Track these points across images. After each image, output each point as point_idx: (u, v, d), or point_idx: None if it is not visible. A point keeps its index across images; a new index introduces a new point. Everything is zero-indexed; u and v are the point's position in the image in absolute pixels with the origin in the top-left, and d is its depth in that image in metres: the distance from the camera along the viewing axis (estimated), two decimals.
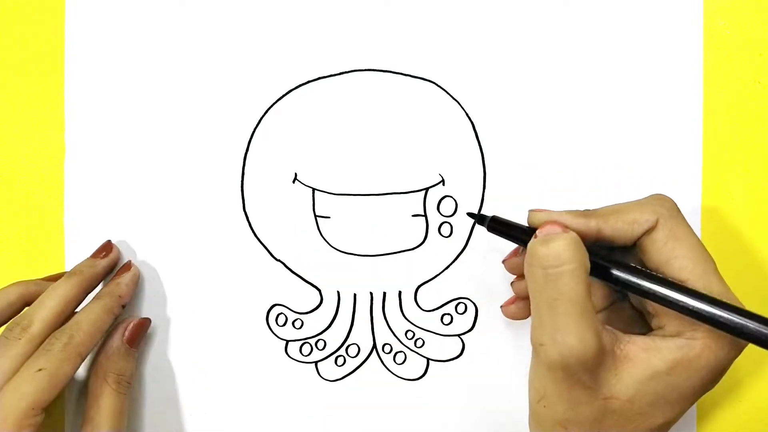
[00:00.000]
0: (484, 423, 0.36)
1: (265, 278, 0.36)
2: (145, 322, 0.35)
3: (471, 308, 0.36)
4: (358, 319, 0.36)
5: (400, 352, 0.36)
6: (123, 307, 0.34)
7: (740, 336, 0.25)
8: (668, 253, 0.27)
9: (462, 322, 0.36)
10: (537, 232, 0.27)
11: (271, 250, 0.36)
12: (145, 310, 0.36)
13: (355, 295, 0.36)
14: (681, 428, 0.35)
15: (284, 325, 0.36)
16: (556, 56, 0.35)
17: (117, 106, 0.36)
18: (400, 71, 0.36)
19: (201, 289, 0.36)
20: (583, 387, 0.25)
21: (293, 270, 0.36)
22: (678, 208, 0.28)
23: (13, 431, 0.28)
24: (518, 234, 0.30)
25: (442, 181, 0.35)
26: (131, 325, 0.34)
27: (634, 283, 0.26)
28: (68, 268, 0.36)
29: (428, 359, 0.36)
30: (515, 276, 0.33)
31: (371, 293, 0.36)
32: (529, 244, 0.26)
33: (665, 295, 0.26)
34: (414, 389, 0.36)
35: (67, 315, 0.33)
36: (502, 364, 0.36)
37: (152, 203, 0.36)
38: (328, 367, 0.36)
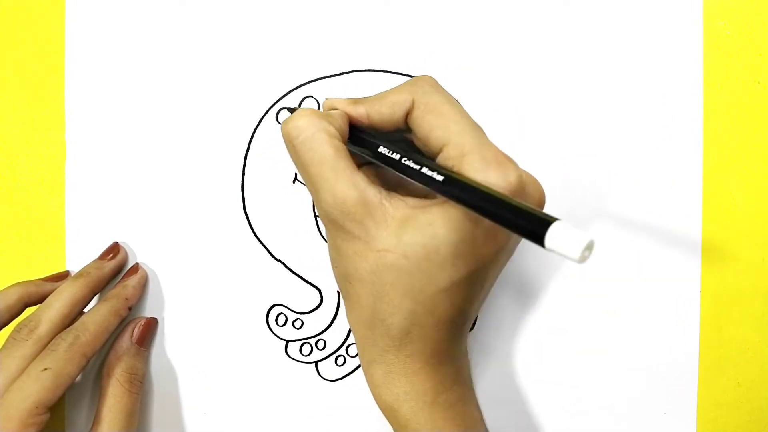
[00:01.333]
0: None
1: (265, 278, 0.36)
2: (153, 322, 0.36)
3: None
4: None
5: None
6: (129, 309, 0.35)
7: (454, 199, 0.25)
8: (426, 127, 0.27)
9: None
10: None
11: (271, 250, 0.36)
12: (145, 309, 0.36)
13: None
14: (681, 428, 0.36)
15: (284, 325, 0.36)
16: (556, 56, 0.35)
17: (117, 106, 0.36)
18: (400, 71, 0.36)
19: (201, 289, 0.36)
20: (355, 239, 0.26)
21: (293, 270, 0.36)
22: (434, 84, 0.28)
23: (18, 430, 0.28)
24: None
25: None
26: (139, 325, 0.35)
27: (380, 155, 0.28)
28: (69, 268, 0.36)
29: None
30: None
31: None
32: (281, 126, 0.28)
33: (390, 161, 0.27)
34: None
35: (74, 316, 0.33)
36: (501, 364, 0.36)
37: (152, 203, 0.36)
38: (328, 367, 0.36)
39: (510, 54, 0.35)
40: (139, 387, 0.34)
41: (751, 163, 0.35)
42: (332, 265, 0.29)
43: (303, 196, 0.36)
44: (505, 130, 0.35)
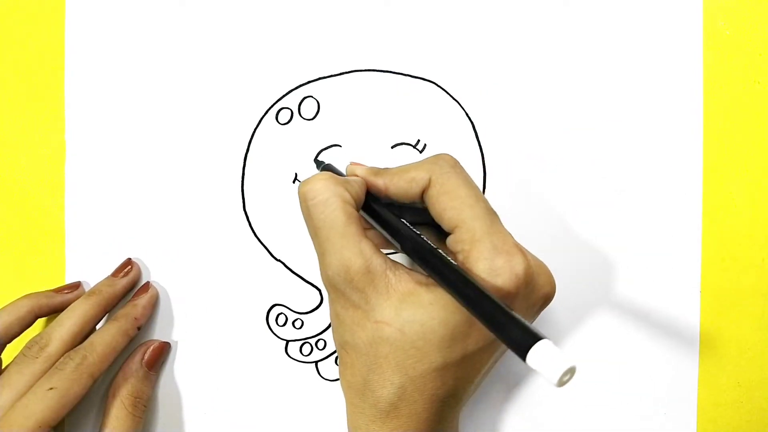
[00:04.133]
0: (485, 422, 0.36)
1: (265, 278, 0.36)
2: (165, 347, 0.36)
3: None
4: None
5: None
6: (138, 328, 0.35)
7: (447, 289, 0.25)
8: (440, 207, 0.27)
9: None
10: None
11: (271, 250, 0.36)
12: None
13: None
14: (681, 428, 0.36)
15: (284, 325, 0.36)
16: (556, 56, 0.35)
17: (117, 107, 0.36)
18: (400, 71, 0.36)
19: (201, 289, 0.36)
20: (355, 307, 0.27)
21: (293, 270, 0.36)
22: (455, 164, 0.29)
23: None
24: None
25: None
26: (151, 348, 0.35)
27: (382, 221, 0.29)
28: (69, 270, 0.36)
29: None
30: None
31: None
32: (298, 187, 0.29)
33: (401, 239, 0.28)
34: None
35: (85, 334, 0.33)
36: (501, 363, 0.36)
37: (152, 203, 0.36)
38: (328, 367, 0.36)
39: (510, 54, 0.35)
40: (143, 411, 0.34)
41: (751, 163, 0.35)
42: (332, 330, 0.29)
43: None
44: (506, 130, 0.35)
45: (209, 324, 0.36)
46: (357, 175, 0.30)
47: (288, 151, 0.36)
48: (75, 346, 0.32)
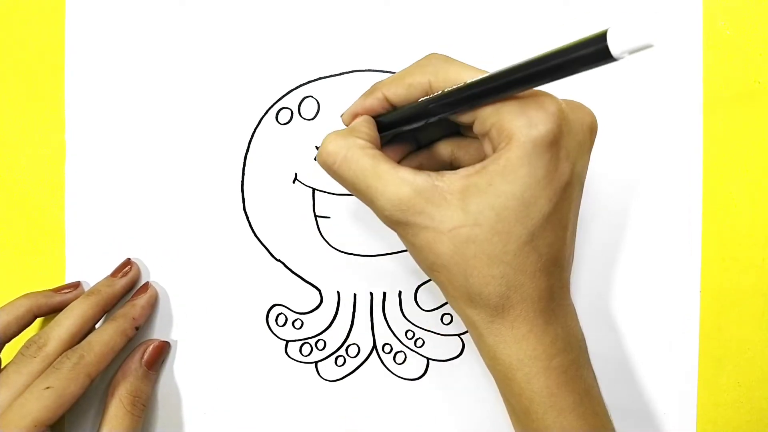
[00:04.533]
0: (485, 423, 0.36)
1: (265, 278, 0.36)
2: (165, 346, 0.36)
3: None
4: (358, 319, 0.36)
5: (400, 352, 0.36)
6: (137, 329, 0.35)
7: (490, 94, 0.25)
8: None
9: (462, 322, 0.36)
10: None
11: (271, 250, 0.36)
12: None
13: (355, 295, 0.36)
14: (681, 428, 0.35)
15: (284, 325, 0.36)
16: None
17: (117, 107, 0.36)
18: None
19: (201, 289, 0.36)
20: (423, 228, 0.26)
21: (293, 270, 0.36)
22: (447, 58, 0.28)
23: None
24: None
25: None
26: (151, 347, 0.35)
27: (426, 110, 0.27)
28: (69, 270, 0.36)
29: (428, 359, 0.36)
30: None
31: (371, 293, 0.36)
32: (317, 160, 0.29)
33: (424, 112, 0.27)
34: (414, 389, 0.36)
35: (83, 334, 0.33)
36: None
37: (152, 203, 0.36)
38: (328, 367, 0.36)
39: (510, 54, 0.35)
40: (142, 410, 0.34)
41: (751, 163, 0.35)
42: (415, 261, 0.29)
43: (303, 196, 0.36)
44: None
45: (209, 324, 0.36)
46: (356, 114, 0.30)
47: (288, 151, 0.36)
48: (72, 346, 0.32)
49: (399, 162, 0.28)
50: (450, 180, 0.26)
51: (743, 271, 0.35)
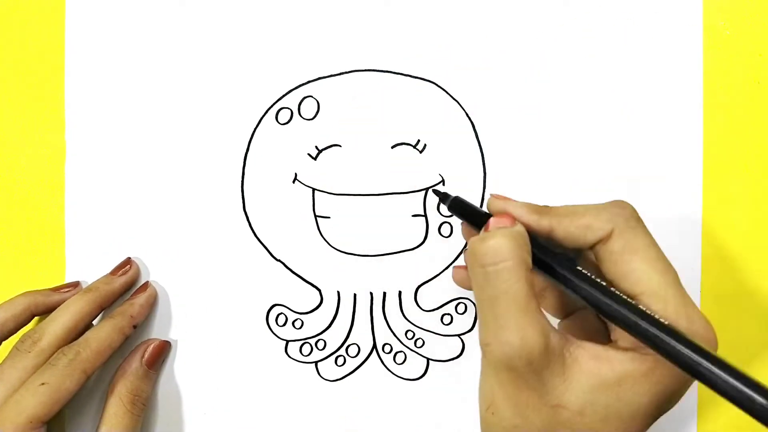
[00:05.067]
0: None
1: (265, 278, 0.36)
2: (165, 346, 0.36)
3: (471, 308, 0.36)
4: (358, 319, 0.36)
5: (400, 352, 0.36)
6: (134, 327, 0.35)
7: (676, 364, 0.22)
8: (624, 266, 0.25)
9: (462, 322, 0.36)
10: (490, 220, 0.26)
11: (271, 250, 0.36)
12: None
13: (355, 295, 0.36)
14: (681, 428, 0.35)
15: (284, 325, 0.36)
16: (556, 56, 0.35)
17: (117, 107, 0.36)
18: (400, 71, 0.36)
19: (201, 289, 0.36)
20: (531, 390, 0.24)
21: (293, 270, 0.36)
22: (638, 217, 0.26)
23: None
24: (476, 218, 0.28)
25: (442, 181, 0.36)
26: (151, 347, 0.35)
27: (573, 283, 0.25)
28: (69, 270, 0.36)
29: (428, 359, 0.36)
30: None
31: (371, 293, 0.36)
32: (470, 242, 0.26)
33: (600, 302, 0.24)
34: (414, 389, 0.36)
35: (79, 331, 0.33)
36: None
37: (152, 203, 0.36)
38: (328, 367, 0.36)
39: (510, 54, 0.35)
40: (142, 409, 0.34)
41: (751, 163, 0.35)
42: (497, 410, 0.25)
43: (303, 196, 0.36)
44: (506, 130, 0.35)
45: (209, 324, 0.36)
46: (511, 215, 0.26)
47: (288, 151, 0.36)
48: (68, 342, 0.32)
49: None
50: (576, 355, 0.24)
51: (743, 271, 0.35)
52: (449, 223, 0.36)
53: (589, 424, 0.24)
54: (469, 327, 0.36)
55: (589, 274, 0.25)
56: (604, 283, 0.25)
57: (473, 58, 0.36)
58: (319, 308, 0.36)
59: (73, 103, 0.36)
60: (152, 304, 0.36)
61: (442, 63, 0.35)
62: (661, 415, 0.25)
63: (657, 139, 0.35)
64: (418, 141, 0.36)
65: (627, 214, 0.26)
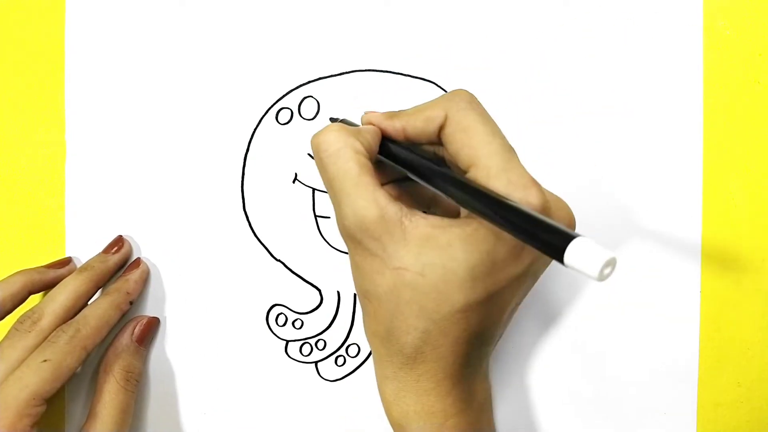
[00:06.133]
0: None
1: (265, 278, 0.36)
2: (155, 321, 0.36)
3: None
4: (358, 319, 0.36)
5: None
6: (131, 303, 0.35)
7: (486, 219, 0.25)
8: (456, 145, 0.27)
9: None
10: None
11: (271, 250, 0.36)
12: (146, 309, 0.36)
13: (355, 295, 0.36)
14: (681, 428, 0.36)
15: (284, 325, 0.36)
16: (556, 56, 0.35)
17: (117, 106, 0.36)
18: (400, 71, 0.36)
19: (201, 289, 0.36)
20: (373, 256, 0.26)
21: (293, 270, 0.36)
22: (471, 99, 0.28)
23: (14, 420, 0.29)
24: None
25: None
26: (141, 323, 0.35)
27: (402, 158, 0.28)
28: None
29: None
30: None
31: None
32: (310, 138, 0.28)
33: (418, 172, 0.27)
34: None
35: (77, 309, 0.33)
36: (501, 364, 0.36)
37: (152, 203, 0.36)
38: (328, 367, 0.36)
39: (510, 54, 0.35)
40: (135, 385, 0.34)
41: (751, 163, 0.35)
42: (353, 281, 0.29)
43: (303, 196, 0.36)
44: (506, 130, 0.35)
45: (209, 324, 0.36)
46: (372, 123, 0.29)
47: (288, 151, 0.36)
48: (67, 321, 0.32)
49: (383, 184, 0.28)
50: (416, 223, 0.26)
51: (743, 271, 0.35)
52: None
53: (430, 283, 0.25)
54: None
55: (418, 153, 0.28)
56: (427, 159, 0.28)
57: (473, 58, 0.36)
58: (319, 308, 0.36)
59: (73, 102, 0.36)
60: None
61: (442, 63, 0.35)
62: (503, 282, 0.26)
63: (657, 139, 0.35)
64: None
65: (458, 98, 0.28)
